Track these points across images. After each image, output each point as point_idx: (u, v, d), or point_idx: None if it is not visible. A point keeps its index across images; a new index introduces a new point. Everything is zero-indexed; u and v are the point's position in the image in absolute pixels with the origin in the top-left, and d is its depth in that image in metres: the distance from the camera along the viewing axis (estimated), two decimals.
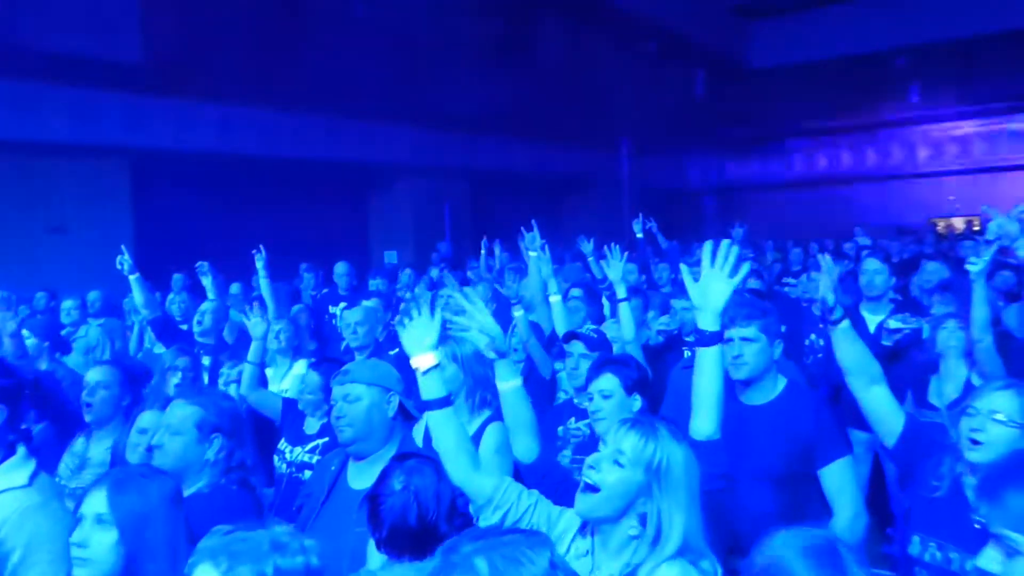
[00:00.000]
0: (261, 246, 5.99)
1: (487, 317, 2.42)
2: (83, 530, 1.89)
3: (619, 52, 15.73)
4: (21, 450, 2.47)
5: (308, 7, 10.86)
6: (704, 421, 2.41)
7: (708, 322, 2.37)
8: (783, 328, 5.52)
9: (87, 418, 3.48)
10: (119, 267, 5.16)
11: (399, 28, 11.57)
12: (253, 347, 4.13)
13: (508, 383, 2.50)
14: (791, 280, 7.32)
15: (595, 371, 3.10)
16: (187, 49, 9.26)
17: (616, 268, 4.34)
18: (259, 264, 6.01)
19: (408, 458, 2.29)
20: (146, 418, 3.09)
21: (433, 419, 2.27)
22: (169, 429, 2.60)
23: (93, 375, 3.54)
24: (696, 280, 2.40)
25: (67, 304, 6.17)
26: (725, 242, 2.40)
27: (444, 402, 2.27)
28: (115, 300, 7.29)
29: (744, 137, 21.21)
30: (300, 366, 4.69)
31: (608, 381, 3.02)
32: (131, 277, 5.17)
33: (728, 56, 20.64)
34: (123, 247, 5.14)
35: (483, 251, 8.16)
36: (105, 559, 1.86)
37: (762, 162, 21.84)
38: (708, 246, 2.41)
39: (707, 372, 2.39)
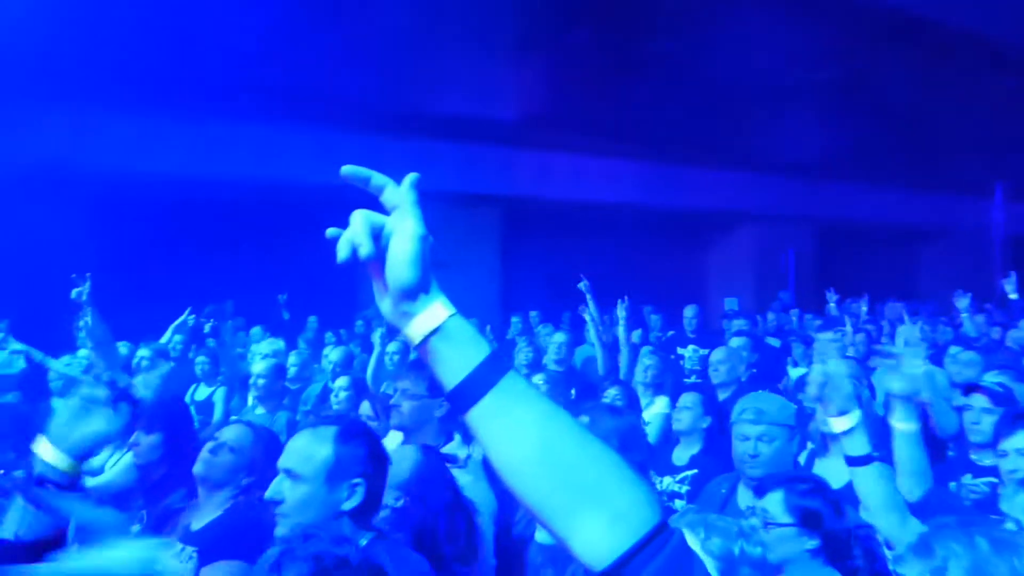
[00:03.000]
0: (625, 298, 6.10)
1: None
2: None
3: (981, 86, 14.16)
4: (457, 437, 3.05)
5: (655, 63, 11.33)
6: None
7: None
8: None
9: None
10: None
11: (742, 76, 11.61)
12: None
13: (905, 425, 2.51)
14: None
15: (1010, 426, 2.88)
16: (552, 107, 10.18)
17: None
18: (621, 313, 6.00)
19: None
20: None
21: (860, 475, 2.31)
22: None
23: (401, 384, 4.02)
24: None
25: None
26: None
27: (868, 459, 2.28)
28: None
29: None
30: (662, 403, 4.84)
31: None
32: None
33: None
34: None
35: (831, 302, 7.96)
36: None
37: None
38: None
39: None
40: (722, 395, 4.76)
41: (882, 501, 2.24)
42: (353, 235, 0.98)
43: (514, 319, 9.08)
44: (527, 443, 0.95)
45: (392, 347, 6.25)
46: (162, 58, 7.77)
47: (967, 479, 3.42)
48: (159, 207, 9.00)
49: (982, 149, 14.46)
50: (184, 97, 8.68)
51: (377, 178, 1.02)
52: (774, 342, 7.87)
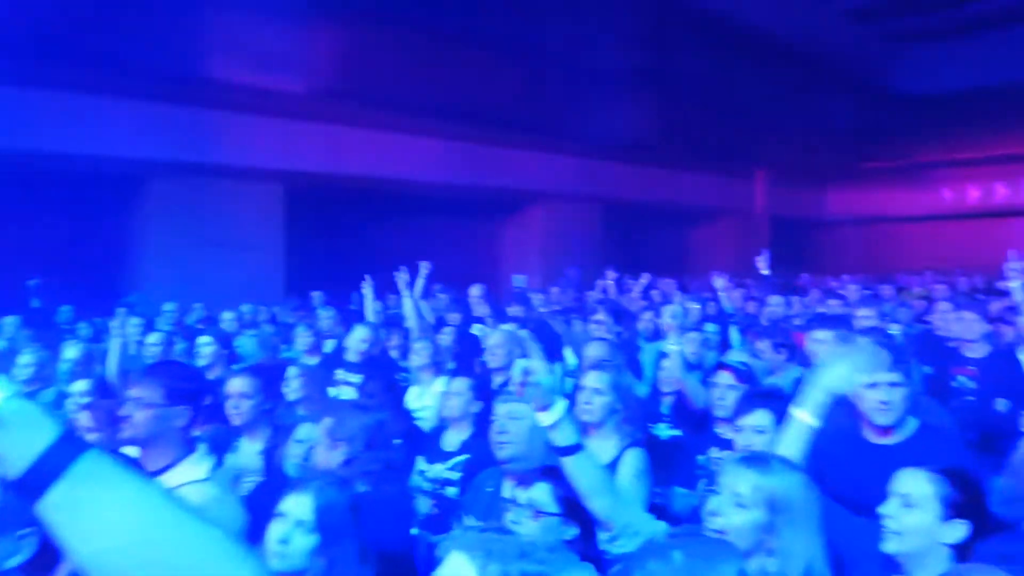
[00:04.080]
0: (404, 268, 6.20)
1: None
2: (285, 527, 2.07)
3: (759, 80, 15.39)
4: (201, 447, 2.73)
5: (450, 38, 11.24)
6: None
7: None
8: (928, 369, 5.28)
9: (235, 422, 3.71)
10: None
11: (535, 58, 11.79)
12: None
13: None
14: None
15: (747, 405, 3.02)
16: (340, 80, 9.80)
17: None
18: (402, 285, 6.20)
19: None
20: (304, 430, 3.28)
21: (570, 464, 2.28)
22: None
23: (234, 385, 3.74)
24: None
25: (227, 316, 6.55)
26: None
27: (576, 448, 2.27)
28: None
29: (891, 167, 20.24)
30: (440, 383, 4.79)
31: (762, 417, 2.93)
32: None
33: (876, 82, 19.79)
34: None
35: (609, 279, 8.27)
36: (301, 558, 2.05)
37: (909, 193, 20.75)
38: None
39: None
40: (498, 379, 4.74)
41: (594, 485, 2.26)
42: None
43: (290, 304, 8.70)
44: (112, 532, 0.83)
45: (153, 338, 5.62)
46: None
47: (713, 452, 3.61)
48: None
49: (754, 137, 15.74)
50: None
51: None
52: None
